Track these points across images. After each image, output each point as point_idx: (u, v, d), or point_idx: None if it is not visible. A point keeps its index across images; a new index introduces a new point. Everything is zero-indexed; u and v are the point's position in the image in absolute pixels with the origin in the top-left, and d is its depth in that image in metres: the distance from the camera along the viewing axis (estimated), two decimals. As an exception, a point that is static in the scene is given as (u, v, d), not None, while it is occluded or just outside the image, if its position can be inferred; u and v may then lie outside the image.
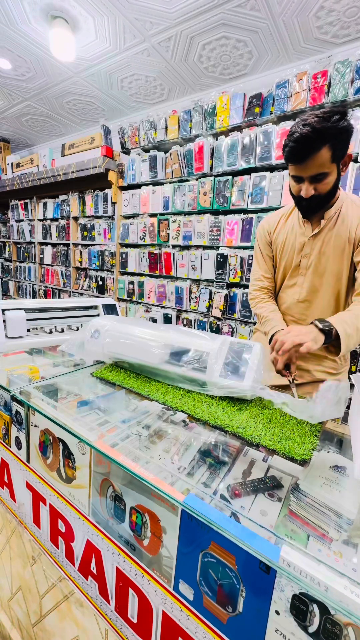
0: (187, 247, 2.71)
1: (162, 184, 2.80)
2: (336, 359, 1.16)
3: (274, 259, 1.23)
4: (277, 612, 0.42)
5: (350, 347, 0.93)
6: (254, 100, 2.21)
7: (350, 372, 1.93)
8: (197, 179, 2.54)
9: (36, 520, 0.86)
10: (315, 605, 0.39)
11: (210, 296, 2.56)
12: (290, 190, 1.03)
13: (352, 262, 1.04)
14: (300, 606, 0.40)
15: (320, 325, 0.90)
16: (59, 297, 4.17)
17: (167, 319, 2.89)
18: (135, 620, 0.63)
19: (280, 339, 0.89)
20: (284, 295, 1.21)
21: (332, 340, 0.91)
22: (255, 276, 1.28)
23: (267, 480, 0.64)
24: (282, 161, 2.08)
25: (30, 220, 4.48)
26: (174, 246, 2.78)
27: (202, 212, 2.54)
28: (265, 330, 1.14)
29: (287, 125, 2.04)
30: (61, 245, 4.06)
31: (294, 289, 1.15)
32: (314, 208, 1.01)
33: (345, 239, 1.03)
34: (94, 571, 0.70)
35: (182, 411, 0.82)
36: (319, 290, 1.10)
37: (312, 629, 0.40)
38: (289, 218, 1.17)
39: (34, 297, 4.61)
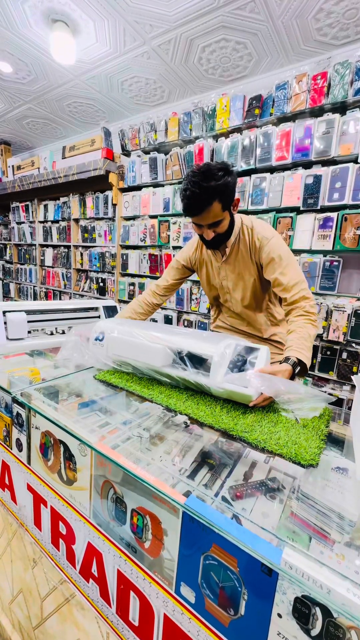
0: (188, 249, 2.71)
1: (163, 185, 2.81)
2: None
3: (184, 276, 1.44)
4: (280, 615, 0.42)
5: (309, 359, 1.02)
6: (254, 101, 2.22)
7: (352, 372, 1.92)
8: (197, 181, 2.54)
9: (37, 522, 0.86)
10: (317, 608, 0.39)
11: (211, 297, 2.56)
12: (194, 229, 1.19)
13: (261, 278, 1.23)
14: (303, 609, 0.40)
15: (295, 371, 0.95)
16: (60, 299, 4.17)
17: (168, 320, 2.89)
18: (136, 623, 0.62)
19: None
20: (223, 310, 1.43)
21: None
22: (160, 281, 1.47)
23: (269, 482, 0.63)
24: (283, 162, 2.09)
25: (31, 222, 4.49)
26: (174, 247, 2.79)
27: (203, 213, 2.55)
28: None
29: (287, 126, 2.05)
30: (62, 247, 4.07)
31: (227, 304, 1.37)
32: (216, 244, 1.18)
33: (248, 258, 1.21)
34: (95, 574, 0.69)
35: (185, 414, 0.82)
36: (244, 302, 1.30)
37: (315, 632, 0.39)
38: (203, 248, 1.34)
39: (35, 299, 4.62)
